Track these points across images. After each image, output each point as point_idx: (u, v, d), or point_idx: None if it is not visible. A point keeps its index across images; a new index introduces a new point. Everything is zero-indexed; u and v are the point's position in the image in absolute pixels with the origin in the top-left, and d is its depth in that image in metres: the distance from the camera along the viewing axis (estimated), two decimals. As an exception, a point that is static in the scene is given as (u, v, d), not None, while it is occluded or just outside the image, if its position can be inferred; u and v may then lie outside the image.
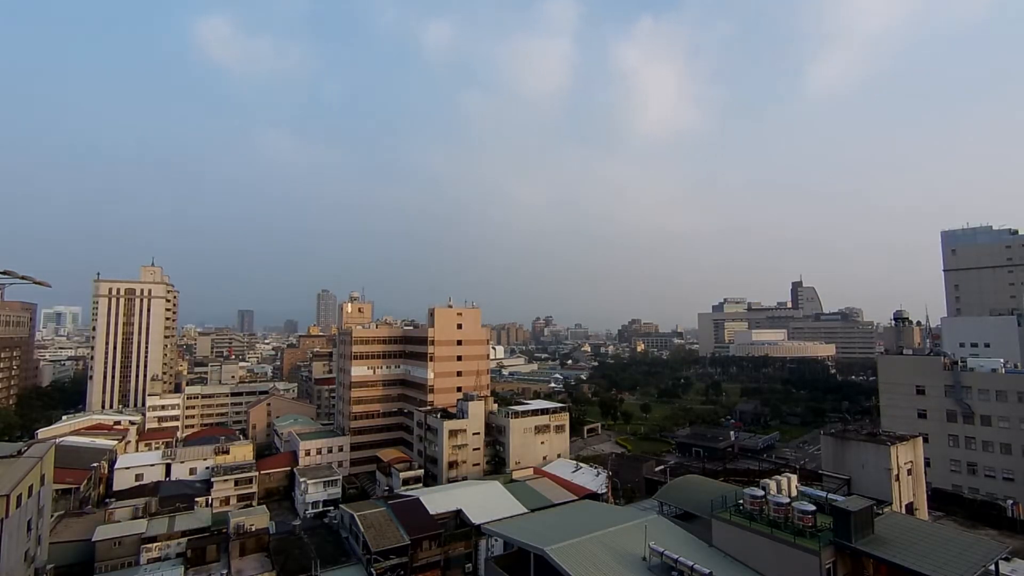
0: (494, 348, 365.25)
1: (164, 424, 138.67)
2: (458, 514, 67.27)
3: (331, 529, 65.04)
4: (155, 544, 61.02)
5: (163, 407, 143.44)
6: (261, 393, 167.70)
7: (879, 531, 36.71)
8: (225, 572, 54.38)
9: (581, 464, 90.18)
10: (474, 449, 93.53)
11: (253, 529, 60.55)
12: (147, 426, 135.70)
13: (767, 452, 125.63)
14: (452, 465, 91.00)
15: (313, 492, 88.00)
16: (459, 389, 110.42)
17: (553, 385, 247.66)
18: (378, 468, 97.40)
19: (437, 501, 68.63)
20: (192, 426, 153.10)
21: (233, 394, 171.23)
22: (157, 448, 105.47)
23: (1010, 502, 75.00)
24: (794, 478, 44.37)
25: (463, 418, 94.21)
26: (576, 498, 72.33)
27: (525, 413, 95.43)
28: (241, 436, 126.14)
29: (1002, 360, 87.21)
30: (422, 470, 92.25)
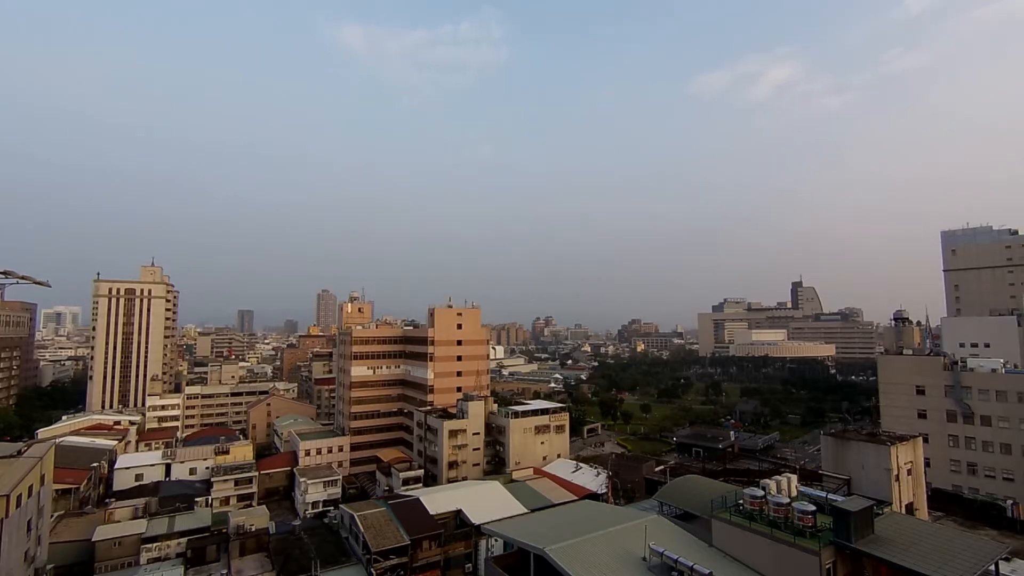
0: (494, 348, 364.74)
1: (164, 424, 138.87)
2: (458, 514, 67.30)
3: (331, 529, 64.97)
4: (155, 544, 61.23)
5: (163, 407, 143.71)
6: (261, 393, 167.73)
7: (879, 531, 36.70)
8: (225, 572, 54.36)
9: (581, 464, 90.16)
10: (474, 449, 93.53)
11: (253, 529, 60.65)
12: (147, 426, 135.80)
13: (767, 452, 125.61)
14: (452, 465, 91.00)
15: (313, 492, 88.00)
16: (459, 389, 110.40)
17: (553, 385, 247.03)
18: (378, 468, 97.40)
19: (437, 501, 68.66)
20: (192, 426, 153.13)
21: (233, 394, 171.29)
22: (157, 448, 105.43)
23: (1010, 502, 75.20)
24: (794, 478, 44.35)
25: (463, 418, 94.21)
26: (576, 498, 72.32)
27: (525, 413, 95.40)
28: (241, 436, 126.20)
29: (1002, 360, 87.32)
30: (422, 470, 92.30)
